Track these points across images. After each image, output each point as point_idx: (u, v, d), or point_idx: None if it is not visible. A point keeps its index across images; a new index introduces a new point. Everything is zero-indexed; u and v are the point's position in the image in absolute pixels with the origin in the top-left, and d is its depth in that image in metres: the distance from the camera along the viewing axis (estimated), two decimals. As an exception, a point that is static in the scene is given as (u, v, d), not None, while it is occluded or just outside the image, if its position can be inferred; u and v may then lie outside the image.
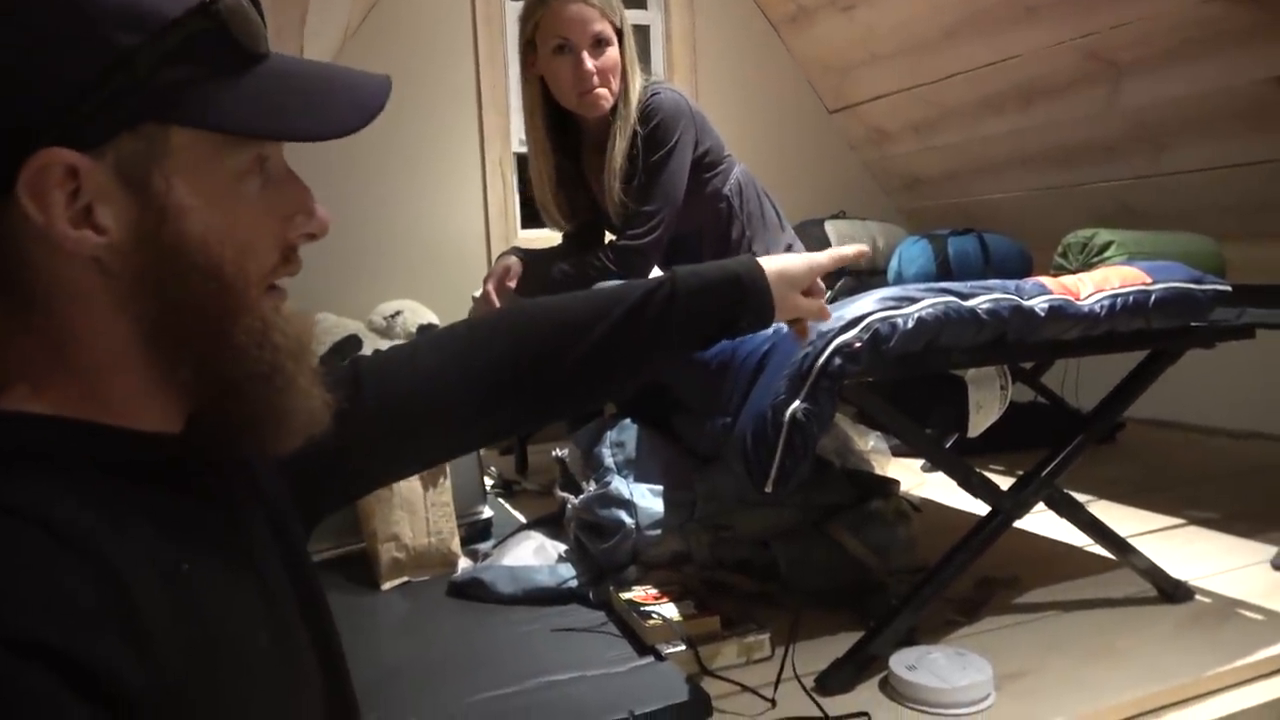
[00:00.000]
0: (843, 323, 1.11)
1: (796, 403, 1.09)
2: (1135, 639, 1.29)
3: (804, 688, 1.19)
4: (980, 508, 1.34)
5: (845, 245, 1.02)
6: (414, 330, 2.67)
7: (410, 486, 1.65)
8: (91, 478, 0.46)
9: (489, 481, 2.33)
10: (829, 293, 1.74)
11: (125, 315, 0.49)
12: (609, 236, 1.98)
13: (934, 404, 1.93)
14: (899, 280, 2.61)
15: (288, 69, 0.53)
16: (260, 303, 0.53)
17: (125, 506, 0.47)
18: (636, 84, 1.80)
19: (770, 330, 1.35)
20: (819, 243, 2.91)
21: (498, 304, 1.88)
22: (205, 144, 0.49)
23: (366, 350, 2.60)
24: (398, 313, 2.70)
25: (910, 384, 1.87)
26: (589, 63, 1.73)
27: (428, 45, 2.85)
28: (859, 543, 1.46)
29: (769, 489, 1.07)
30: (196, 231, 0.49)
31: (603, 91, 1.76)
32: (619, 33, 1.78)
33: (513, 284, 1.87)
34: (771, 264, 0.89)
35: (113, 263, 0.48)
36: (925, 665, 1.18)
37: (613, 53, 1.76)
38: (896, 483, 1.69)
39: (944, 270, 2.50)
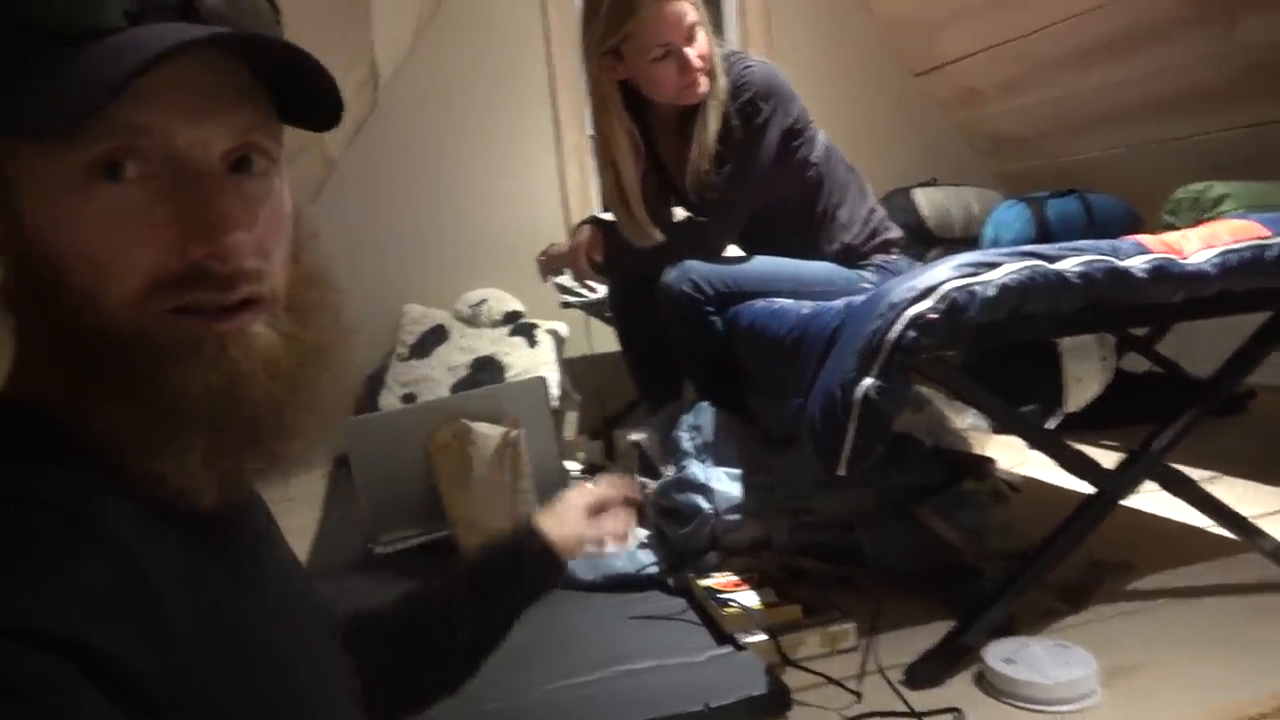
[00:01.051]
0: (915, 292, 1.04)
1: (868, 380, 1.03)
2: (1262, 630, 1.18)
3: (889, 681, 1.13)
4: (1089, 487, 1.25)
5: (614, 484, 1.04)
6: (499, 318, 2.70)
7: (489, 474, 1.66)
8: (80, 466, 0.45)
9: (575, 467, 2.34)
10: (916, 262, 1.66)
11: (23, 318, 0.47)
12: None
13: (1031, 378, 1.82)
14: (994, 247, 2.47)
15: (112, 46, 0.43)
16: (147, 330, 0.45)
17: (142, 499, 0.46)
18: (718, 56, 1.74)
19: (842, 303, 1.29)
20: (907, 213, 2.79)
21: (587, 280, 1.87)
22: (33, 150, 0.44)
23: (453, 339, 2.63)
24: (483, 301, 2.73)
25: (1006, 356, 1.77)
26: (693, 60, 1.67)
27: (499, 34, 2.85)
28: (949, 526, 1.38)
29: (841, 472, 1.02)
30: (41, 247, 0.45)
31: (703, 79, 1.70)
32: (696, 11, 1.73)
33: (598, 256, 1.85)
34: (542, 517, 0.92)
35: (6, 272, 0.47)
36: (1023, 658, 1.10)
37: (704, 36, 1.70)
38: (992, 462, 1.60)
39: (1043, 235, 2.36)
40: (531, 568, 0.89)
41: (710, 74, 1.71)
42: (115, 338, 0.45)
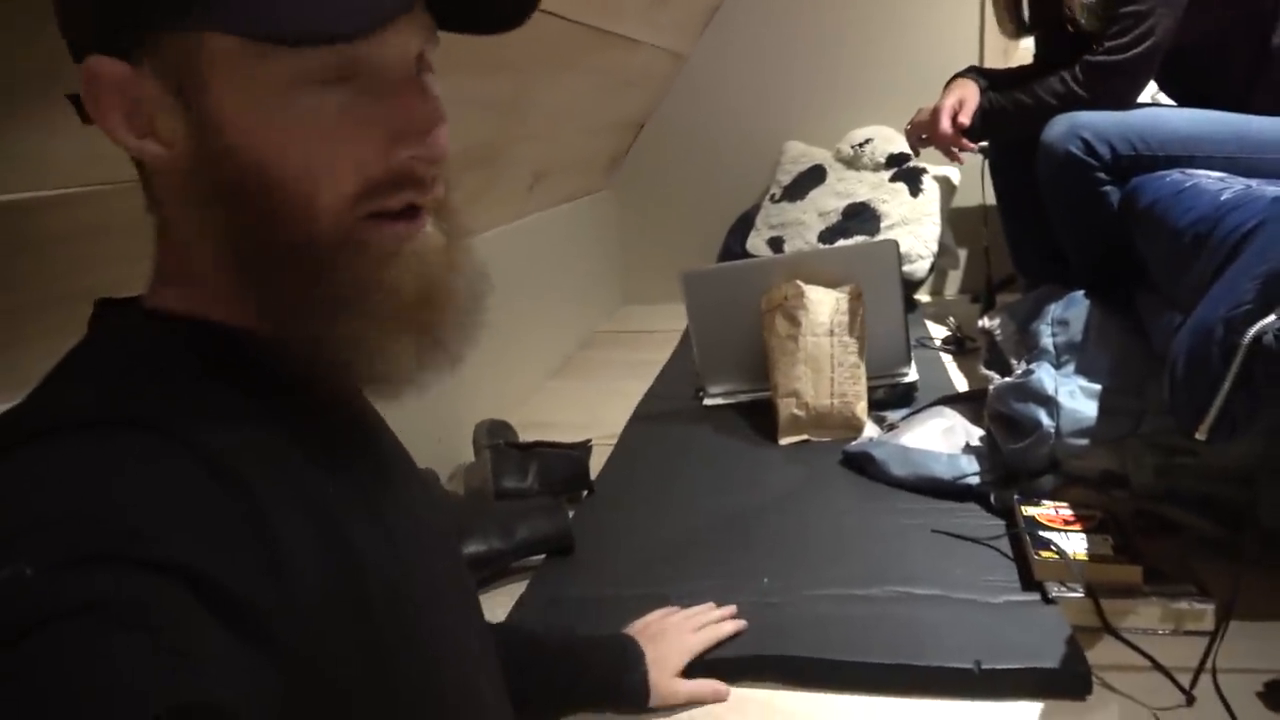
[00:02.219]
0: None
1: (1270, 319, 0.73)
2: None
3: (1218, 691, 0.86)
4: None
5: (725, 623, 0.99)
6: (882, 160, 2.46)
7: (817, 343, 1.55)
8: (225, 387, 0.46)
9: (942, 334, 2.12)
10: None
11: (206, 222, 0.46)
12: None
13: None
14: None
15: None
16: (352, 231, 0.46)
17: (262, 420, 0.46)
18: None
19: (1274, 192, 0.93)
20: None
21: (955, 149, 1.59)
22: (241, 51, 0.43)
23: (830, 181, 2.46)
24: (868, 140, 2.50)
25: None
26: None
27: None
28: (1405, 506, 1.00)
29: (1200, 436, 0.76)
30: (242, 146, 0.44)
31: None
32: None
33: (966, 120, 1.56)
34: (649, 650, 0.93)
35: (185, 170, 0.45)
36: None
37: None
38: None
39: None
40: (615, 700, 0.91)
41: None
42: (324, 243, 0.46)
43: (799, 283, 1.56)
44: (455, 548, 0.66)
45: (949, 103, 1.57)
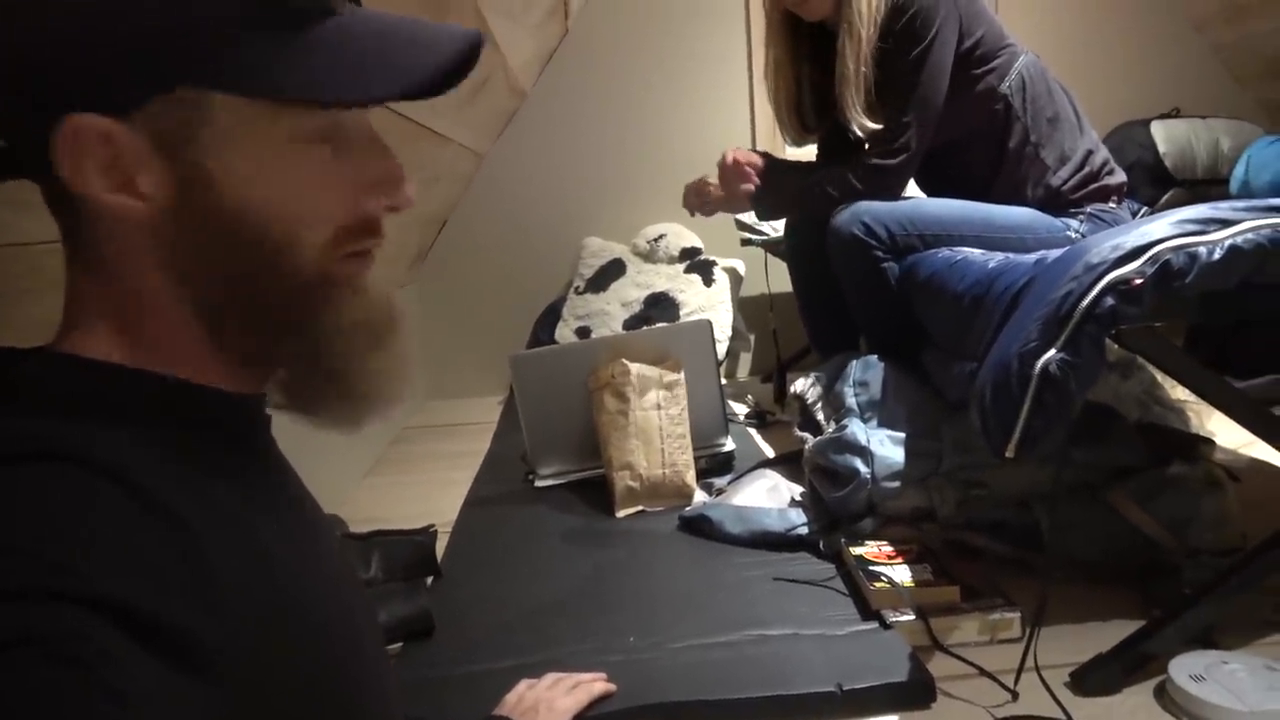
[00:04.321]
0: (1120, 253, 0.89)
1: (1051, 352, 0.89)
2: None
3: (1045, 684, 1.00)
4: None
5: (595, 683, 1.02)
6: (676, 254, 2.65)
7: (646, 416, 1.63)
8: (158, 428, 0.46)
9: (743, 410, 2.28)
10: (1144, 209, 1.42)
11: (174, 277, 0.47)
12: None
13: (1262, 353, 1.56)
14: (1245, 191, 2.14)
15: (352, 27, 0.47)
16: (328, 272, 0.49)
17: (195, 460, 0.46)
18: None
19: (1034, 257, 1.14)
20: (1141, 149, 2.46)
21: (740, 176, 1.78)
22: (248, 110, 0.45)
23: (629, 274, 2.61)
24: (661, 236, 2.69)
25: (1241, 323, 1.52)
26: None
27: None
28: (1147, 515, 1.21)
29: (1009, 454, 0.90)
30: (237, 202, 0.46)
31: None
32: None
33: (751, 186, 1.75)
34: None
35: (157, 227, 0.46)
36: (1218, 676, 0.96)
37: None
38: (1210, 442, 1.39)
39: (1310, 178, 2.01)
40: None
41: None
42: (306, 284, 0.48)
43: (624, 361, 1.65)
44: (366, 594, 0.65)
45: (744, 155, 1.77)
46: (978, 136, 1.64)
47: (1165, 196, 2.39)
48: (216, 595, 0.41)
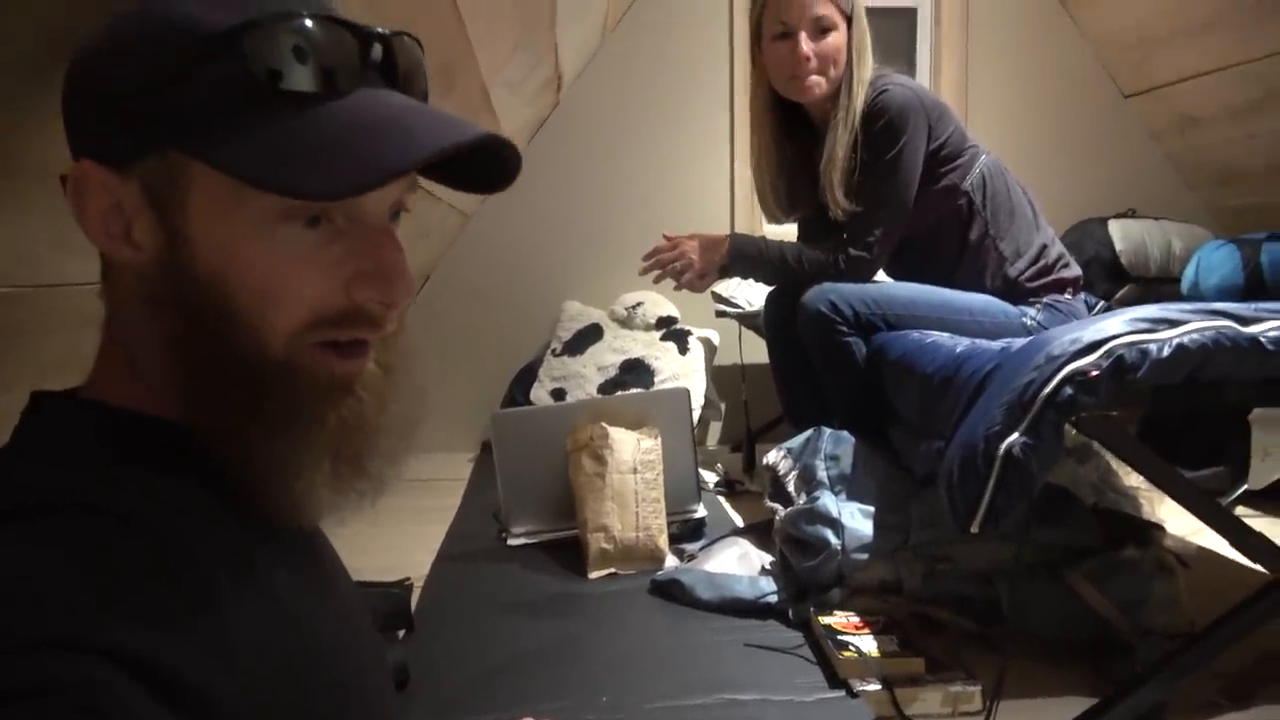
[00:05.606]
0: (1078, 346, 0.96)
1: (1014, 436, 0.95)
2: None
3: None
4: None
5: None
6: (652, 322, 2.72)
7: (623, 480, 1.67)
8: (177, 478, 0.46)
9: (712, 478, 2.32)
10: (1101, 303, 1.51)
11: (162, 329, 0.48)
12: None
13: (1218, 442, 1.64)
14: (1194, 292, 2.26)
15: (350, 113, 0.46)
16: (292, 357, 0.47)
17: (213, 512, 0.47)
18: (864, 74, 1.71)
19: (1000, 345, 1.21)
20: (1099, 245, 2.59)
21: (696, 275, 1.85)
22: (226, 182, 0.45)
23: (606, 339, 2.67)
24: (639, 304, 2.75)
25: (1192, 416, 1.60)
26: (805, 47, 1.67)
27: (683, 38, 2.86)
28: (1102, 596, 1.27)
29: (973, 529, 0.95)
30: (210, 267, 0.46)
31: (816, 79, 1.70)
32: (848, 19, 1.70)
33: (716, 257, 1.82)
34: None
35: (150, 279, 0.48)
36: (1167, 754, 1.00)
37: (835, 39, 1.69)
38: (1160, 529, 1.46)
39: (1254, 282, 2.13)
40: None
41: (841, 82, 1.70)
42: (266, 364, 0.47)
43: (603, 424, 1.69)
44: (384, 651, 0.66)
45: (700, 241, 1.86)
46: (943, 228, 1.75)
47: (1121, 292, 2.51)
48: (235, 653, 0.42)
